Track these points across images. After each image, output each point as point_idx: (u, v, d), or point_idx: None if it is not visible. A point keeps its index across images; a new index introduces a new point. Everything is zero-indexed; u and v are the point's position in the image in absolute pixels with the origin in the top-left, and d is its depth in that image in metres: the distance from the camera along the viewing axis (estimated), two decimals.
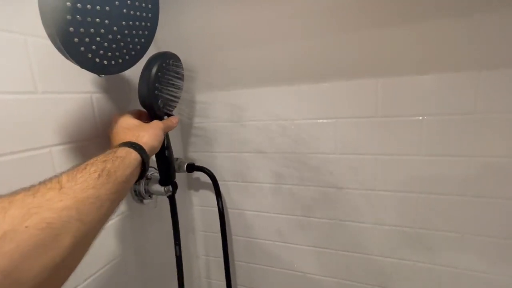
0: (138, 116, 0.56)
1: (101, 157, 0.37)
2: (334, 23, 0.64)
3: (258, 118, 0.75)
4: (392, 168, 0.66)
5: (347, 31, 0.63)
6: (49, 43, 0.39)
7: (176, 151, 0.84)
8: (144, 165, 0.44)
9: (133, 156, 0.42)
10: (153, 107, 0.56)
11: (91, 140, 0.56)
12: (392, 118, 0.64)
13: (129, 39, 0.46)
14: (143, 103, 0.56)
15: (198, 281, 0.96)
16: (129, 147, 0.43)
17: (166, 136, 0.64)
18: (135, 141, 0.45)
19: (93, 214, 0.31)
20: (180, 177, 0.86)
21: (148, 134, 0.48)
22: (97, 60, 0.42)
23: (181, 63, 0.61)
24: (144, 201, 0.70)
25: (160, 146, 0.52)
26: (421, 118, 0.62)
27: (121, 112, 0.54)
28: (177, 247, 0.70)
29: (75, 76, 0.52)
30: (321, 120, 0.70)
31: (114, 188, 0.35)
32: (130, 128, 0.49)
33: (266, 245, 0.83)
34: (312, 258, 0.79)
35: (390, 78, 0.62)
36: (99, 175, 0.33)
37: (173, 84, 0.60)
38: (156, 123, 0.53)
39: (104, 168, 0.35)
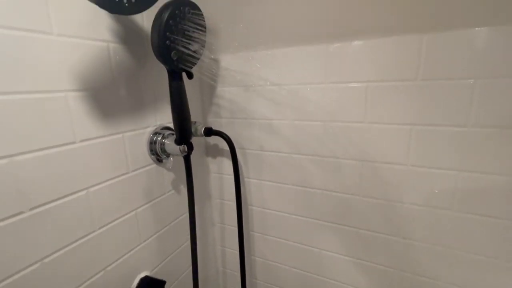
0: None
1: None
2: None
3: (282, 82, 0.70)
4: (431, 141, 0.57)
5: None
6: None
7: (196, 115, 0.82)
8: None
9: None
10: (165, 60, 0.54)
11: (108, 91, 0.55)
12: (436, 81, 0.55)
13: None
14: (155, 54, 0.53)
15: (213, 248, 0.97)
16: None
17: (184, 94, 0.61)
18: None
19: None
20: (199, 143, 0.85)
21: None
22: None
23: (200, 12, 0.57)
24: (160, 160, 0.70)
25: None
26: (472, 81, 0.52)
27: None
28: (191, 209, 0.70)
29: (92, 22, 0.51)
30: (351, 84, 0.63)
31: None
32: None
33: (282, 217, 0.80)
34: (329, 234, 0.74)
35: (436, 34, 0.53)
36: None
37: (190, 36, 0.56)
38: None
39: None
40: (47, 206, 0.47)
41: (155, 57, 0.54)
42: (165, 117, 0.71)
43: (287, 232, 0.81)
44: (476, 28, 0.50)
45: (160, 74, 0.66)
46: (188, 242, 0.82)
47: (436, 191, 0.59)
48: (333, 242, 0.74)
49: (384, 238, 0.67)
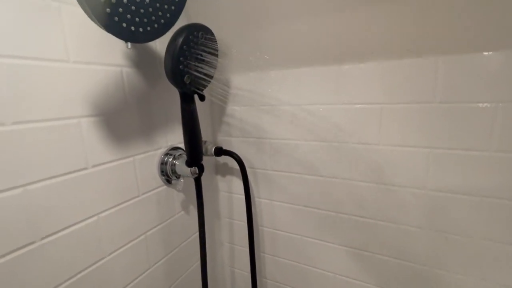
0: None
1: None
2: None
3: (293, 102, 0.69)
4: (451, 166, 0.55)
5: (395, 2, 0.54)
6: (82, 11, 0.38)
7: (205, 134, 0.82)
8: None
9: None
10: (178, 84, 0.53)
11: (120, 114, 0.55)
12: (455, 104, 0.53)
13: (158, 5, 0.43)
14: (168, 79, 0.53)
15: (222, 268, 0.94)
16: None
17: (196, 117, 0.61)
18: None
19: None
20: (208, 161, 0.84)
21: None
22: (124, 25, 0.40)
23: (213, 37, 0.57)
24: (173, 181, 0.69)
25: None
26: (493, 105, 0.50)
27: None
28: (201, 231, 0.68)
29: (107, 48, 0.51)
30: (363, 106, 0.61)
31: None
32: None
33: (294, 239, 0.78)
34: (344, 259, 0.71)
35: (452, 56, 0.52)
36: None
37: (202, 60, 0.56)
38: None
39: None
40: (58, 235, 0.46)
41: (166, 79, 0.54)
42: (176, 138, 0.70)
43: (300, 255, 0.78)
44: (494, 52, 0.49)
45: (171, 94, 0.66)
46: (197, 264, 0.80)
47: (458, 218, 0.56)
48: (348, 266, 0.71)
49: (402, 264, 0.64)
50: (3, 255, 0.39)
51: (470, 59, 0.51)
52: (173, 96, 0.67)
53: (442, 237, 0.59)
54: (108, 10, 0.37)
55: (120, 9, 0.38)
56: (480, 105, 0.51)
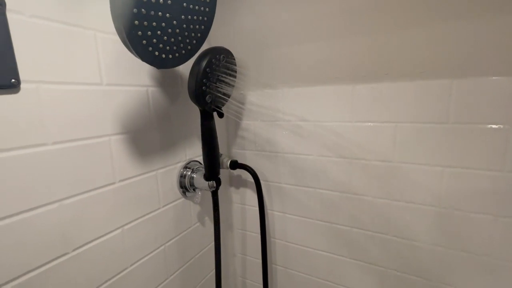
0: None
1: None
2: (394, 17, 0.57)
3: (307, 118, 0.72)
4: (466, 185, 0.56)
5: (409, 27, 0.56)
6: (115, 38, 0.41)
7: (221, 148, 0.84)
8: None
9: None
10: (200, 103, 0.57)
11: (145, 131, 0.58)
12: (469, 125, 0.54)
13: (186, 33, 0.46)
14: (191, 98, 0.56)
15: (234, 279, 0.95)
16: None
17: (214, 133, 0.64)
18: None
19: None
20: (223, 173, 0.87)
21: None
22: (157, 53, 0.43)
23: (234, 59, 0.60)
24: (187, 194, 0.71)
25: None
26: (507, 127, 0.52)
27: None
28: (217, 243, 0.70)
29: (135, 70, 0.55)
30: (378, 124, 0.63)
31: None
32: None
33: (306, 252, 0.79)
34: (357, 273, 0.72)
35: (466, 79, 0.53)
36: None
37: (223, 81, 0.59)
38: None
39: None
40: (86, 246, 0.48)
41: (186, 96, 0.57)
42: (194, 151, 0.73)
43: (312, 268, 0.79)
44: (502, 77, 0.50)
45: (190, 110, 0.69)
46: (211, 274, 0.82)
47: (472, 235, 0.57)
48: (360, 280, 0.72)
49: (415, 280, 0.65)
50: (40, 266, 0.42)
51: (481, 83, 0.52)
52: (192, 111, 0.70)
53: (456, 254, 0.59)
54: (144, 42, 0.40)
55: (154, 40, 0.41)
56: (493, 126, 0.53)
